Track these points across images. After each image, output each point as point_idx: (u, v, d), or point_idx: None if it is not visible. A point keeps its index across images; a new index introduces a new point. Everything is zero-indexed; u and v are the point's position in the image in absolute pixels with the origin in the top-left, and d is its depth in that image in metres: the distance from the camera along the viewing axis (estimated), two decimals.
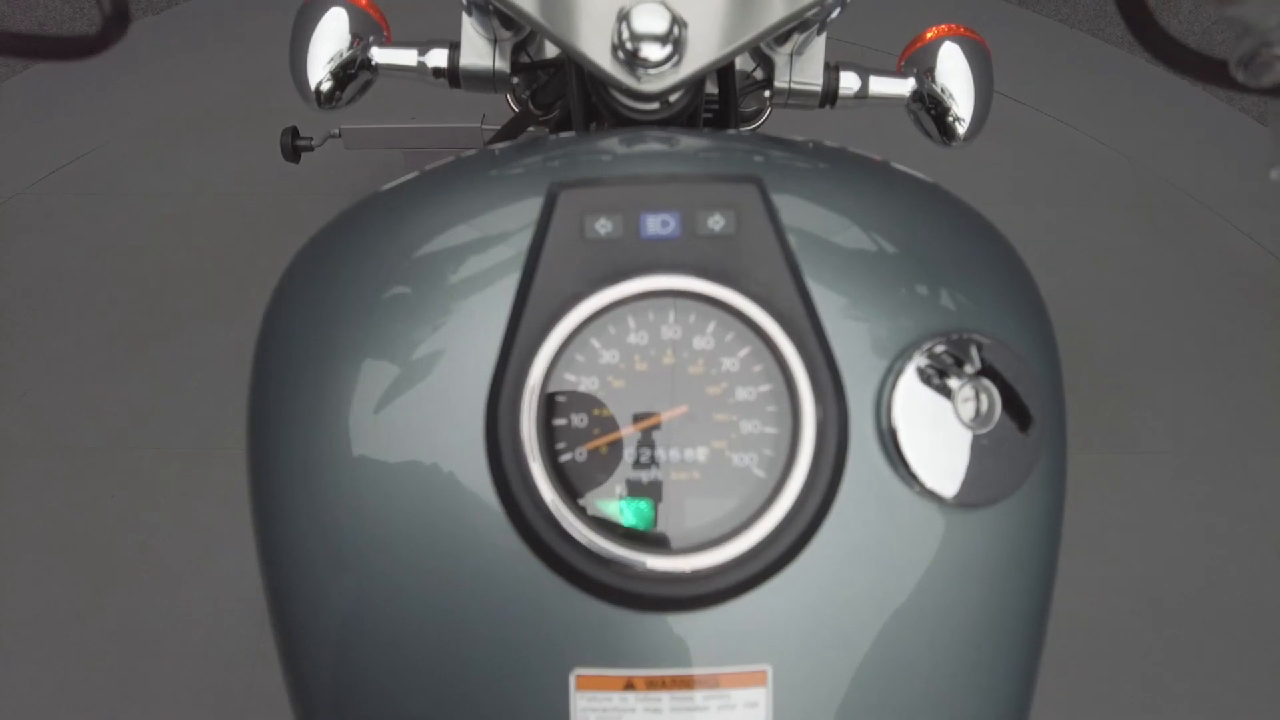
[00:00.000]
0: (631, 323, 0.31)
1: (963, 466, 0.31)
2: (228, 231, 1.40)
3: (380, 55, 0.59)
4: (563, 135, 0.39)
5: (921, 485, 0.31)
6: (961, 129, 0.60)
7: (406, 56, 0.59)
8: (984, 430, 0.31)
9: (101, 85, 1.56)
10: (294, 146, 1.04)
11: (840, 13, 0.52)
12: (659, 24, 0.37)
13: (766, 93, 0.60)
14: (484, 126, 1.09)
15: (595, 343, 0.31)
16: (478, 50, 0.58)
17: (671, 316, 0.31)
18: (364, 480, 0.31)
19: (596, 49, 0.38)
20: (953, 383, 0.31)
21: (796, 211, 0.33)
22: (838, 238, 0.33)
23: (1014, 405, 0.31)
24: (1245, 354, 1.35)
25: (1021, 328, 0.34)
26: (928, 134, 0.61)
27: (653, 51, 0.37)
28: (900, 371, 0.31)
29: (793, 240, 0.32)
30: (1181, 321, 1.39)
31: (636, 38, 0.37)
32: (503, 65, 0.59)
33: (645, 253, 0.31)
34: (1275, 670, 1.13)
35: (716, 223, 0.32)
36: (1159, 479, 1.25)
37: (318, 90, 0.59)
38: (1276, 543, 1.20)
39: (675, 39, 0.37)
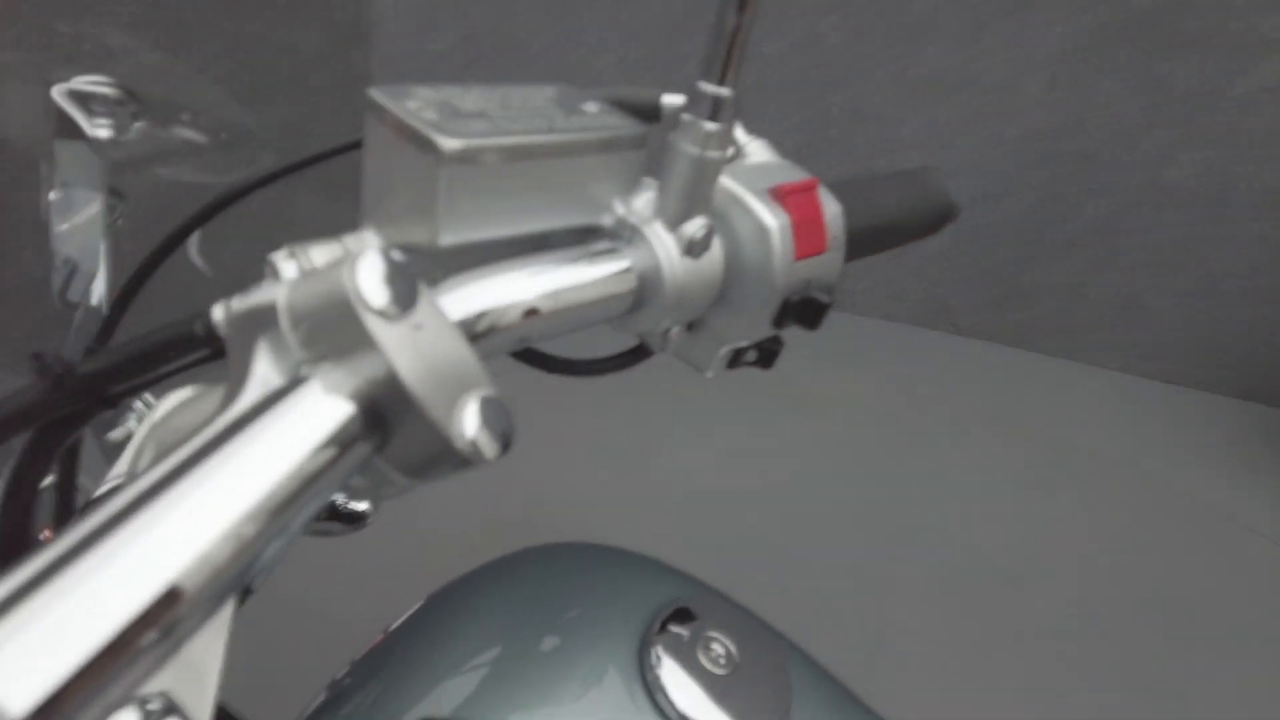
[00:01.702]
0: None
1: (742, 702, 0.31)
2: None
3: None
4: None
5: None
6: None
7: None
8: (735, 666, 0.32)
9: None
10: None
11: None
12: None
13: None
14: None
15: None
16: None
17: None
18: None
19: None
20: (686, 651, 0.32)
21: None
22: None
23: (741, 628, 0.33)
24: None
25: (674, 584, 0.37)
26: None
27: None
28: (651, 670, 0.32)
29: None
30: None
31: None
32: None
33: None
34: None
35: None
36: None
37: None
38: None
39: None
